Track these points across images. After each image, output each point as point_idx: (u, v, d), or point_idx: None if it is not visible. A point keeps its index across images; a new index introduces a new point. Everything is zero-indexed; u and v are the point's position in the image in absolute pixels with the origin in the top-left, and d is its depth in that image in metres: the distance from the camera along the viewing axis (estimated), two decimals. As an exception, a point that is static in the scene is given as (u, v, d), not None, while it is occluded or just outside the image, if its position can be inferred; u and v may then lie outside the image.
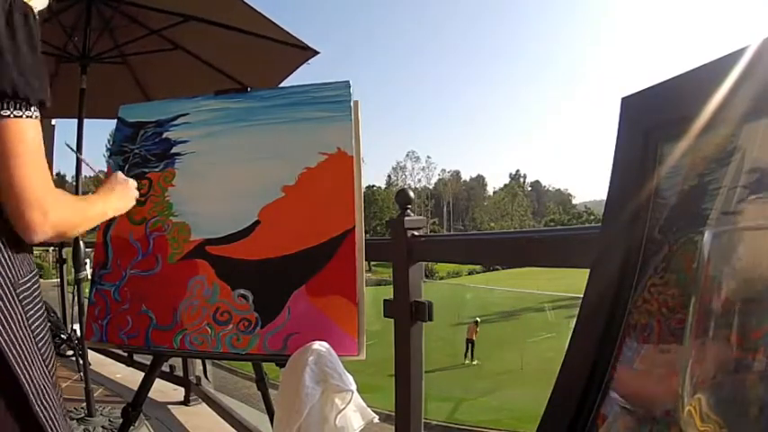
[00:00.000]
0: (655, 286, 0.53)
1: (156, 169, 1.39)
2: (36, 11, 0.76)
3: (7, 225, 0.73)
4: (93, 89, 2.51)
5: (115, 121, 1.50)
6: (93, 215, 0.94)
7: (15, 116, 0.72)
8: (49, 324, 0.83)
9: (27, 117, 0.73)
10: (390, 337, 1.42)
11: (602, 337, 0.56)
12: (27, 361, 0.74)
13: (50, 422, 0.76)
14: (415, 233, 1.44)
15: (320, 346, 1.09)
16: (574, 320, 0.59)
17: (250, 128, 1.35)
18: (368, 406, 1.06)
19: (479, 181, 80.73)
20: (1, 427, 0.72)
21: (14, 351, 0.72)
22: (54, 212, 0.76)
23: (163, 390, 3.04)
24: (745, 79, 0.45)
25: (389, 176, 74.29)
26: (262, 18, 2.31)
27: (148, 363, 1.73)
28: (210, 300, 1.26)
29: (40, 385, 0.76)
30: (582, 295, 0.60)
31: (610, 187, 0.60)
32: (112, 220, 1.38)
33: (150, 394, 1.73)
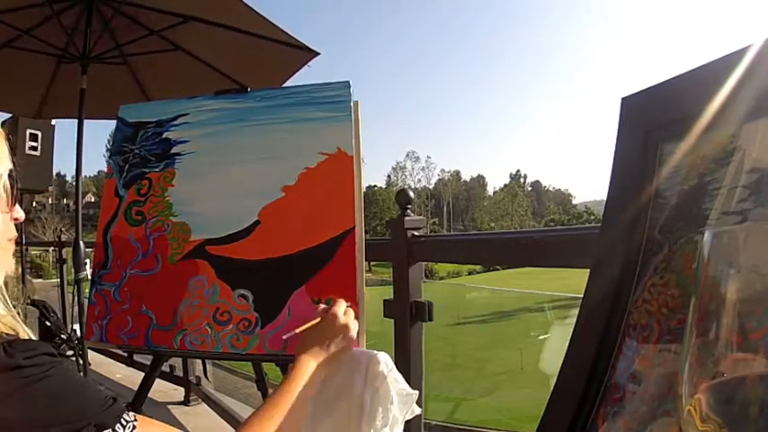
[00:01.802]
0: (655, 286, 0.53)
1: (156, 169, 1.39)
2: None
3: None
4: (93, 90, 2.51)
5: (115, 121, 1.50)
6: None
7: None
8: None
9: None
10: (391, 338, 1.42)
11: (602, 337, 0.56)
12: None
13: None
14: (415, 233, 1.44)
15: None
16: (567, 320, 0.59)
17: (250, 128, 1.35)
18: None
19: (479, 181, 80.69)
20: None
21: None
22: None
23: (163, 390, 3.04)
24: (746, 79, 0.45)
25: (389, 176, 74.32)
26: (262, 19, 2.31)
27: (148, 363, 1.73)
28: (210, 300, 1.25)
29: None
30: (582, 295, 0.60)
31: (610, 187, 0.60)
32: (113, 220, 1.38)
33: (150, 394, 1.73)
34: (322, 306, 1.03)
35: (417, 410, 1.04)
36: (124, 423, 0.60)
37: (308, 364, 0.90)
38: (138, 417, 0.62)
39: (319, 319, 0.99)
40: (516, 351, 13.98)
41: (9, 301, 0.64)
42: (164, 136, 1.41)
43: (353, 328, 0.98)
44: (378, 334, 1.59)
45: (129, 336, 1.30)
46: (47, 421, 0.54)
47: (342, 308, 1.00)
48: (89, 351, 2.73)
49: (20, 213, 0.68)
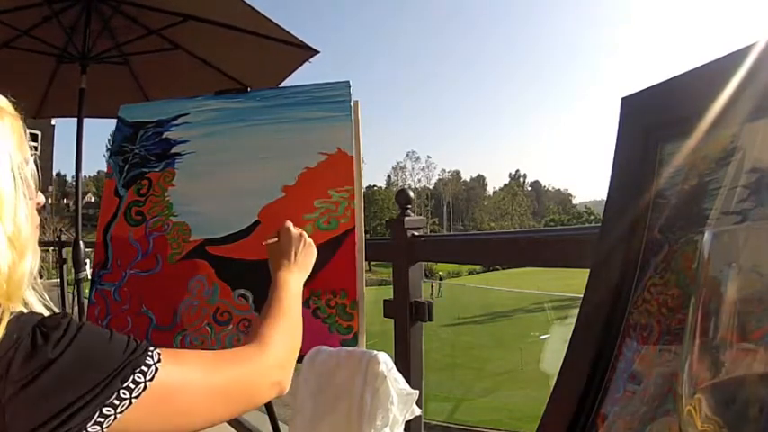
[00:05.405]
0: (655, 286, 0.53)
1: (156, 169, 1.39)
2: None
3: None
4: (93, 90, 2.51)
5: (115, 121, 1.50)
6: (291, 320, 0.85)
7: None
8: None
9: None
10: (391, 338, 1.42)
11: (602, 337, 0.56)
12: None
13: None
14: (415, 233, 1.44)
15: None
16: (567, 320, 0.59)
17: (250, 128, 1.35)
18: None
19: (479, 181, 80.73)
20: None
21: None
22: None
23: (163, 390, 3.03)
24: (746, 79, 0.45)
25: (389, 176, 74.38)
26: (262, 17, 2.31)
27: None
28: (211, 300, 1.26)
29: None
30: (582, 295, 0.60)
31: (610, 187, 0.60)
32: (113, 220, 1.38)
33: (150, 394, 1.73)
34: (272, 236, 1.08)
35: (417, 411, 1.04)
36: (151, 356, 0.60)
37: (284, 276, 0.95)
38: (162, 349, 0.61)
39: (276, 239, 1.05)
40: (516, 351, 13.99)
41: (43, 292, 0.63)
42: (164, 136, 1.41)
43: (305, 234, 1.05)
44: (378, 334, 1.59)
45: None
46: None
47: (289, 223, 1.07)
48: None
49: (41, 198, 0.68)
